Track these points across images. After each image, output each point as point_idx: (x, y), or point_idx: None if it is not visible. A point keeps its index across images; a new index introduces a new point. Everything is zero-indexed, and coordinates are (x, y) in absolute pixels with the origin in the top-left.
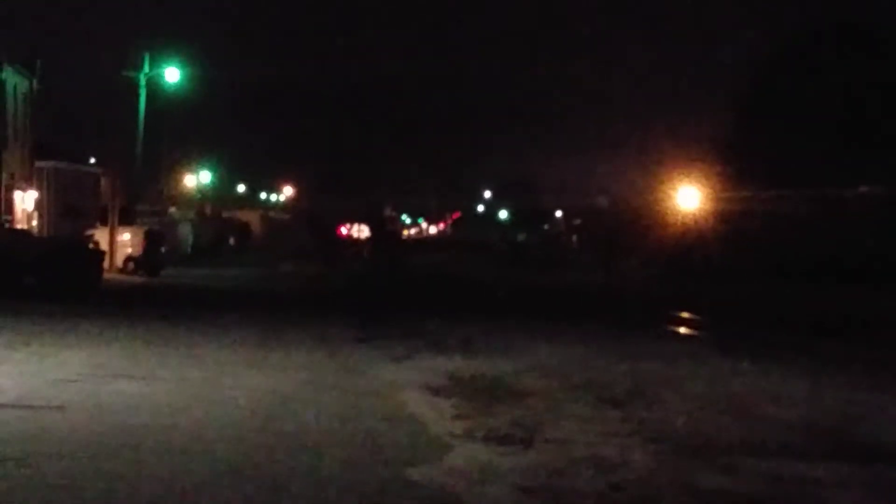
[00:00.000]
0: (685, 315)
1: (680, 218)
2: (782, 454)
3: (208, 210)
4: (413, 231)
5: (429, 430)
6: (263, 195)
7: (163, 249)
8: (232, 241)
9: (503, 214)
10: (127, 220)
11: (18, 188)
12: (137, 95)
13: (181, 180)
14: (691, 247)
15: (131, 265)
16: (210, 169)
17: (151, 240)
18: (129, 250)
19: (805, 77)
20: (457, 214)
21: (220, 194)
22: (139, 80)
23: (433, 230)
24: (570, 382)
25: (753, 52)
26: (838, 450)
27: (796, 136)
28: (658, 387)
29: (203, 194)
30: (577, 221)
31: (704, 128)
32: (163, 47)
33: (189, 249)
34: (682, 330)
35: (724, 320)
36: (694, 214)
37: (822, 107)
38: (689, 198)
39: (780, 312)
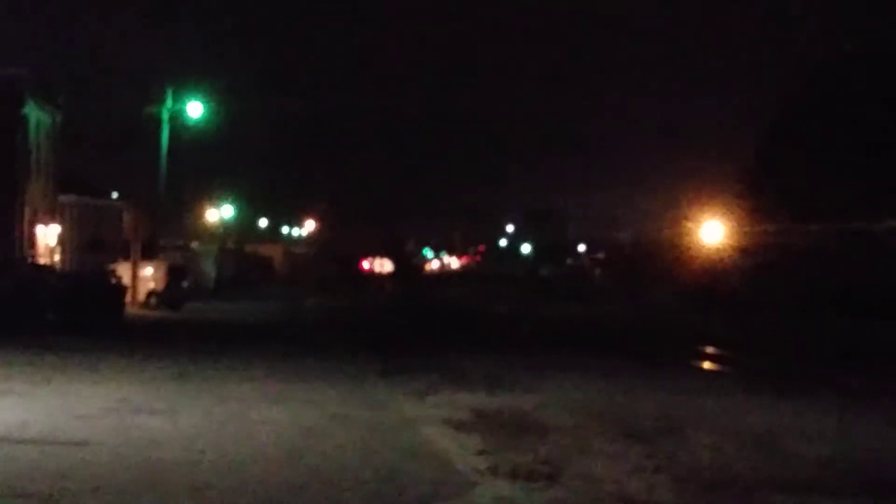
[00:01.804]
0: (711, 349)
1: (704, 252)
2: (811, 491)
3: (231, 244)
4: (436, 265)
5: (453, 465)
6: (286, 229)
7: (185, 284)
8: (254, 275)
9: (526, 248)
10: (149, 254)
11: (41, 222)
12: (160, 130)
13: (204, 215)
14: (716, 280)
15: (154, 300)
16: (232, 203)
17: (174, 274)
18: (152, 285)
19: (831, 109)
20: (481, 248)
21: (242, 228)
22: (162, 115)
23: (456, 264)
24: (595, 417)
25: (778, 86)
26: (867, 486)
27: (822, 170)
28: (684, 422)
29: (226, 229)
30: (601, 255)
31: (729, 162)
32: (186, 82)
33: (212, 284)
34: (708, 364)
35: (751, 354)
36: (718, 248)
37: (847, 139)
38: (713, 232)
39: (806, 347)
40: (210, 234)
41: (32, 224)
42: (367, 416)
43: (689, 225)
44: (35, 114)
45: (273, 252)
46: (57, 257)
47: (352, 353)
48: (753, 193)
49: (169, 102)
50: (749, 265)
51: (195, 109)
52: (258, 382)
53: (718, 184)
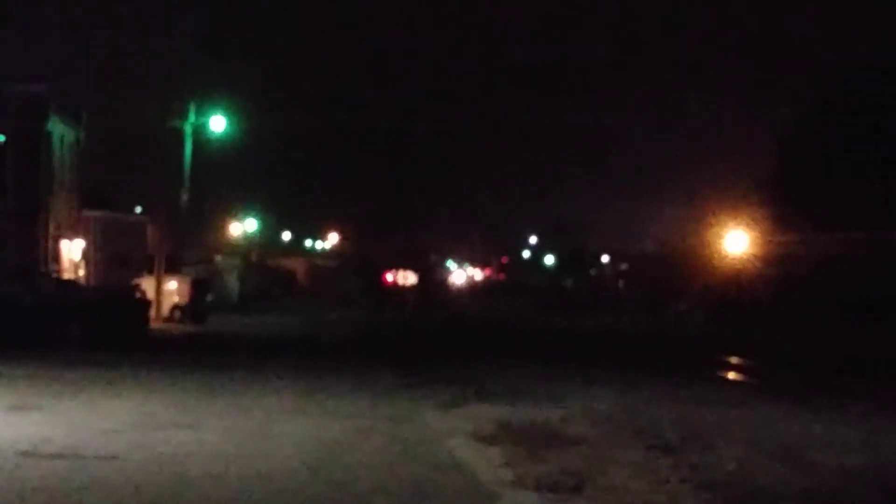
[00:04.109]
0: (735, 360)
1: (728, 262)
2: (838, 501)
3: (254, 258)
4: (459, 277)
5: (478, 477)
6: (309, 242)
7: (209, 298)
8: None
9: (549, 259)
10: (173, 268)
11: (65, 237)
12: (183, 144)
13: (227, 228)
14: (740, 291)
15: (178, 314)
16: (256, 217)
17: (197, 288)
18: (176, 299)
19: (852, 119)
20: (504, 260)
21: (265, 242)
22: (185, 129)
23: (479, 276)
24: (619, 429)
25: (800, 94)
26: (893, 498)
27: (844, 179)
28: (709, 433)
29: (249, 242)
30: (624, 266)
31: (751, 171)
32: (209, 96)
33: (235, 297)
34: (732, 375)
35: (775, 365)
36: (742, 258)
37: (869, 149)
38: (736, 241)
39: (831, 356)
40: (234, 248)
41: (56, 239)
42: (392, 428)
43: (713, 235)
44: (59, 129)
45: (296, 265)
46: (81, 272)
47: (376, 366)
48: (777, 203)
49: (192, 117)
50: (773, 275)
51: (218, 123)
52: (283, 395)
53: (741, 193)
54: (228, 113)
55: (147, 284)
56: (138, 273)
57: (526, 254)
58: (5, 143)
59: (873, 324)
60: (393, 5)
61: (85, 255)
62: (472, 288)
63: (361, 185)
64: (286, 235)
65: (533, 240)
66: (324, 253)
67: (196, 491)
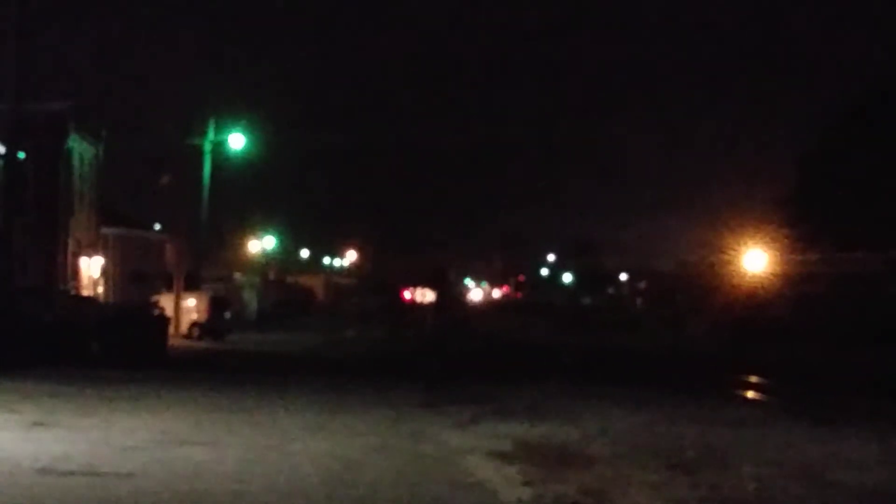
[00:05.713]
0: (754, 379)
1: (747, 280)
2: None
3: (272, 275)
4: (477, 295)
5: (497, 496)
6: (327, 260)
7: (227, 315)
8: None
9: (567, 278)
10: (192, 285)
11: (84, 254)
12: (203, 161)
13: (245, 246)
14: (758, 309)
15: (196, 331)
16: (274, 234)
17: (216, 305)
18: (195, 316)
19: (872, 139)
20: (521, 278)
21: (284, 259)
22: (204, 147)
23: (497, 294)
24: (638, 448)
25: (820, 113)
26: None
27: (865, 197)
28: (728, 452)
29: (267, 259)
30: (642, 284)
31: (771, 190)
32: (228, 113)
33: (254, 315)
34: (751, 394)
35: (794, 384)
36: (761, 277)
37: (889, 168)
38: (755, 260)
39: (850, 375)
40: (252, 265)
41: (76, 256)
42: (410, 446)
43: (732, 254)
44: (78, 146)
45: (314, 283)
46: (100, 289)
47: (393, 384)
48: (796, 221)
49: (211, 134)
50: (792, 294)
51: (237, 141)
52: (300, 413)
53: (761, 212)
54: (247, 130)
55: (166, 301)
56: (157, 290)
57: (544, 272)
58: (25, 160)
59: (893, 342)
60: (414, 22)
61: (104, 272)
62: (490, 306)
63: (380, 202)
64: (304, 253)
65: (551, 258)
66: (342, 270)
67: None
